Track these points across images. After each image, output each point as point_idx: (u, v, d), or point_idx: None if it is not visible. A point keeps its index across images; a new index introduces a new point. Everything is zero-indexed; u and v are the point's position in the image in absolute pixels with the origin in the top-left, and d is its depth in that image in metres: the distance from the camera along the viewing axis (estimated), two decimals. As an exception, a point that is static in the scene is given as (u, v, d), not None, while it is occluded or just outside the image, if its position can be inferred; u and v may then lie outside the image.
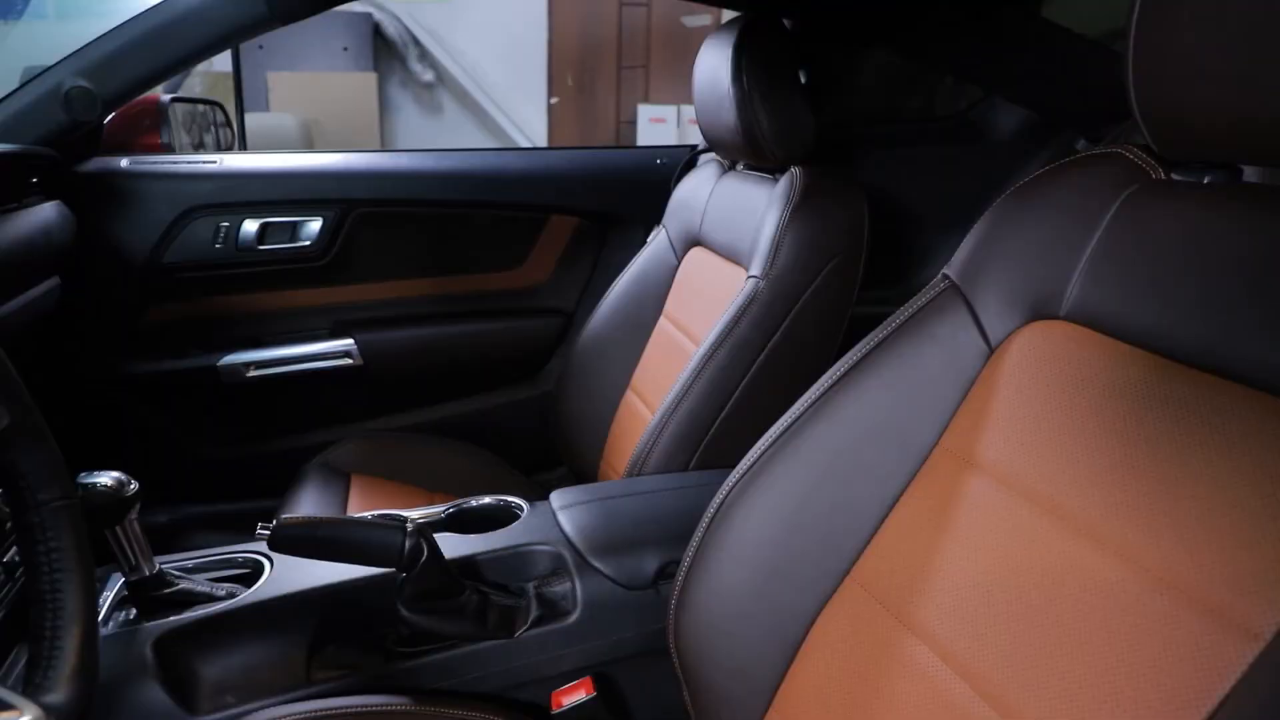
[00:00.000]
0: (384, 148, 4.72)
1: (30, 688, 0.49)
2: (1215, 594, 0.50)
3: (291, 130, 3.74)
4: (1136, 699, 0.51)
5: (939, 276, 0.76)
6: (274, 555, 0.91)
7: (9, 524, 0.66)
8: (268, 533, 0.76)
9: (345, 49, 4.42)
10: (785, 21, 1.52)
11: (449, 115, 4.88)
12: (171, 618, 0.82)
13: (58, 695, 0.50)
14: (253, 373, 1.59)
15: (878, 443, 0.74)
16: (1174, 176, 0.65)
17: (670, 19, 4.55)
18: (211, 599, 0.86)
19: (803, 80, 1.64)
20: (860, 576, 0.73)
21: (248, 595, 0.85)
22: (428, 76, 4.75)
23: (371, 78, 4.54)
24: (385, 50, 4.73)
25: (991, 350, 0.71)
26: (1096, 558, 0.56)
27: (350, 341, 1.64)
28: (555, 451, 1.63)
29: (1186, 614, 0.51)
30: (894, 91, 1.81)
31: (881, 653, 0.69)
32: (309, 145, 3.98)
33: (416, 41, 4.65)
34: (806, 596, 0.75)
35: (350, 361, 1.63)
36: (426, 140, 4.87)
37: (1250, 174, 0.63)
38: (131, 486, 0.81)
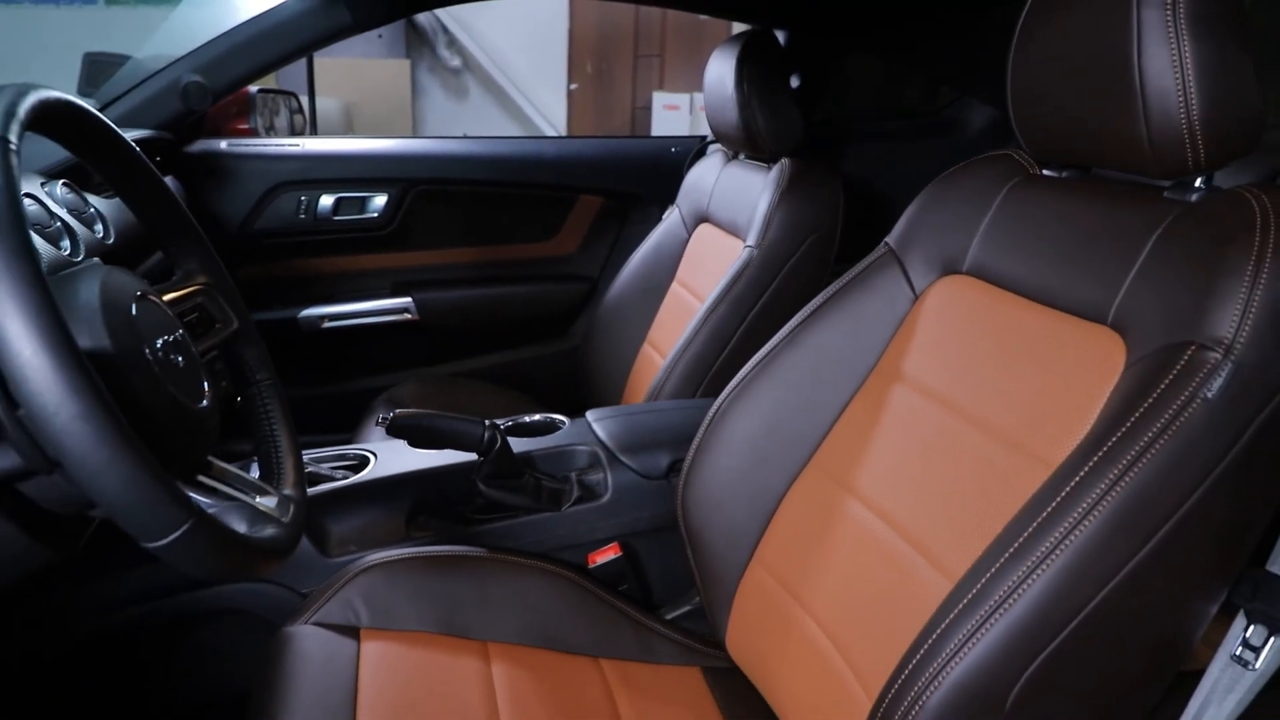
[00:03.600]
0: (415, 130, 4.97)
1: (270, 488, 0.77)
2: (1034, 444, 0.77)
3: (334, 114, 4.00)
4: (983, 512, 0.78)
5: (880, 244, 1.03)
6: (377, 450, 1.18)
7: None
8: (387, 421, 1.04)
9: (380, 36, 4.65)
10: (780, 37, 1.78)
11: (474, 100, 5.10)
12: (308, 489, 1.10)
13: (289, 491, 0.78)
14: (326, 325, 1.86)
15: (833, 365, 1.00)
16: (1044, 172, 0.91)
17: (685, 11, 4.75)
18: (332, 479, 1.14)
19: (796, 84, 1.90)
20: (819, 462, 0.99)
21: (362, 476, 1.13)
22: (455, 63, 4.96)
23: (405, 64, 4.78)
24: (416, 37, 4.96)
25: (916, 297, 0.97)
26: (969, 430, 0.83)
27: (409, 300, 1.89)
28: (581, 397, 1.89)
29: (1015, 457, 0.77)
30: (876, 92, 2.06)
31: (830, 512, 0.95)
32: (349, 128, 4.23)
33: (445, 29, 4.86)
34: (779, 477, 1.00)
35: (409, 317, 1.89)
36: (452, 122, 5.11)
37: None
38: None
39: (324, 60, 4.32)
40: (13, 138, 0.54)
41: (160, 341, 0.66)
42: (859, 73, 2.01)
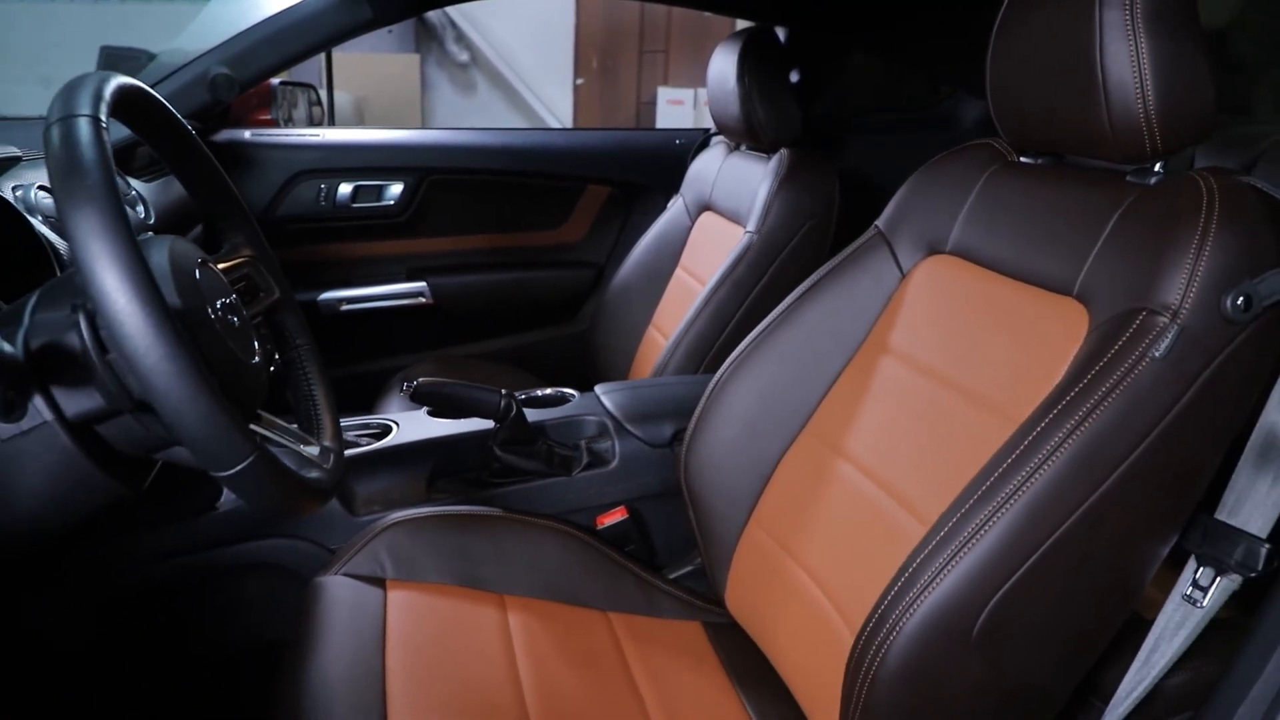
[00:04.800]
0: (424, 124, 5.04)
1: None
2: (1006, 405, 0.84)
3: (346, 107, 4.09)
4: (958, 466, 0.85)
5: (871, 227, 1.10)
6: (399, 419, 1.26)
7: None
8: (411, 388, 1.12)
9: (390, 31, 4.73)
10: (780, 34, 1.85)
11: (481, 94, 5.17)
12: (335, 454, 1.18)
13: (328, 443, 0.86)
14: (345, 307, 1.93)
15: (826, 338, 1.07)
16: (1021, 159, 0.99)
17: (690, 7, 4.81)
18: (357, 445, 1.21)
19: (795, 79, 1.97)
20: (812, 428, 1.06)
21: (386, 442, 1.20)
22: (463, 57, 5.04)
23: (415, 59, 4.86)
24: (425, 33, 5.04)
25: (903, 275, 1.04)
26: (950, 395, 0.91)
27: (423, 284, 1.97)
28: (589, 378, 1.96)
29: (990, 417, 0.85)
30: (873, 88, 2.13)
31: (822, 473, 1.02)
32: (360, 121, 4.30)
33: (454, 24, 4.93)
34: (775, 443, 1.07)
35: (423, 300, 1.97)
36: (460, 116, 5.18)
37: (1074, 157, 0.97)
38: None
39: (335, 55, 4.39)
40: (103, 118, 0.62)
41: (219, 303, 0.74)
42: (856, 69, 2.09)
